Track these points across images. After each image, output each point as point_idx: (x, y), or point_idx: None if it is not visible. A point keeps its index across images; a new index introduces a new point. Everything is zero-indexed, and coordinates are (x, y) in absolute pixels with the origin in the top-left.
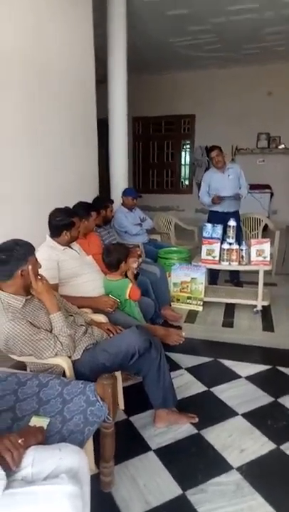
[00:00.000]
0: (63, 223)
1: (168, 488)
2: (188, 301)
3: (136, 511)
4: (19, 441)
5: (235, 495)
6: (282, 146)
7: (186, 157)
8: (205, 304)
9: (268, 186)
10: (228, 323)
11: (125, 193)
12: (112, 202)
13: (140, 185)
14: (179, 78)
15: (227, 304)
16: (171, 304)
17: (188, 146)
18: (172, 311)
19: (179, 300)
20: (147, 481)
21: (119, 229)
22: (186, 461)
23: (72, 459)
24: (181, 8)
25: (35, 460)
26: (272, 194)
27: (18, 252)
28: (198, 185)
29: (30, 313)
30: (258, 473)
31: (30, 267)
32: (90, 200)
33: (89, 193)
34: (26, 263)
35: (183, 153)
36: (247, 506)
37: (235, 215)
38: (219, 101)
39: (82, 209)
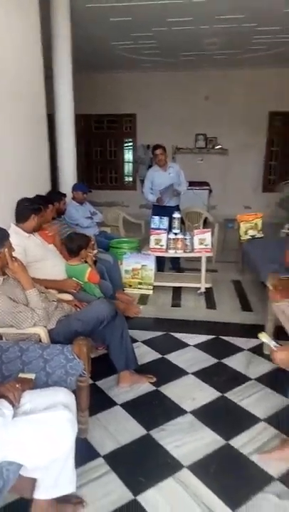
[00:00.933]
0: (32, 207)
1: (134, 430)
2: (139, 286)
3: (110, 449)
4: (16, 385)
5: (190, 430)
6: (219, 146)
7: (128, 155)
8: (154, 288)
9: (206, 183)
10: (176, 303)
11: (76, 187)
12: (64, 195)
13: (84, 182)
14: (120, 78)
15: (174, 288)
16: (124, 289)
17: (130, 145)
18: (126, 294)
19: (131, 286)
20: (116, 427)
21: (71, 222)
22: (147, 410)
23: (64, 397)
24: (124, 16)
25: (32, 398)
26: (210, 191)
27: None
28: (142, 182)
29: (8, 290)
30: (207, 414)
31: (6, 249)
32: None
33: (42, 188)
34: (3, 246)
35: (126, 151)
36: (200, 437)
37: (176, 208)
38: (159, 102)
39: (41, 201)
